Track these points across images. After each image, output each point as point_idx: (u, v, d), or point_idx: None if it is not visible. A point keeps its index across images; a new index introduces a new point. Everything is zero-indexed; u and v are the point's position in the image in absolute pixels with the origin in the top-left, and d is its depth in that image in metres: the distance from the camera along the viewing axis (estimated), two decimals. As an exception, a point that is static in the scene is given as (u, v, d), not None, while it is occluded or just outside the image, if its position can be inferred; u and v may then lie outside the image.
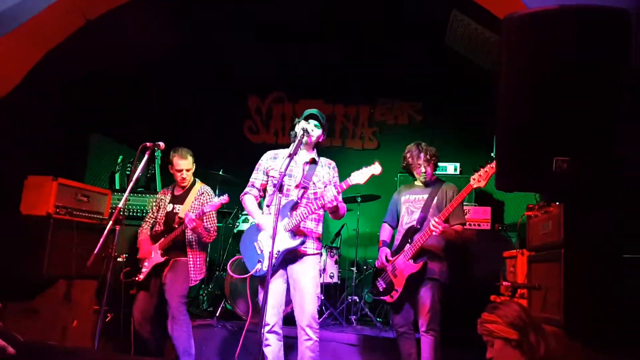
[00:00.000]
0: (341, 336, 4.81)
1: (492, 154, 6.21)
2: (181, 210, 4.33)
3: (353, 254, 6.03)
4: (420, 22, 6.03)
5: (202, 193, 4.42)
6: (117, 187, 6.05)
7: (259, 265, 3.45)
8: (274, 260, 3.36)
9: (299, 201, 3.52)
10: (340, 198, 3.46)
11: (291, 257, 3.50)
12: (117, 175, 6.07)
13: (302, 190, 3.56)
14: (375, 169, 3.44)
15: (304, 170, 3.62)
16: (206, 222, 4.34)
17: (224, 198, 4.16)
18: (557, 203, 3.04)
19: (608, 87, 2.05)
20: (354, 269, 5.90)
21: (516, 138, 2.16)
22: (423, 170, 4.05)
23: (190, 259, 4.29)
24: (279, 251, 3.39)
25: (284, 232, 3.43)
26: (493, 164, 3.63)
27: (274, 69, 7.05)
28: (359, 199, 5.89)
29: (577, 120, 2.08)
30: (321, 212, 3.57)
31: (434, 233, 3.69)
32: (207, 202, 4.30)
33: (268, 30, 6.42)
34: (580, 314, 2.73)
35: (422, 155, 4.04)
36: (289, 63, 6.98)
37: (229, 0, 5.69)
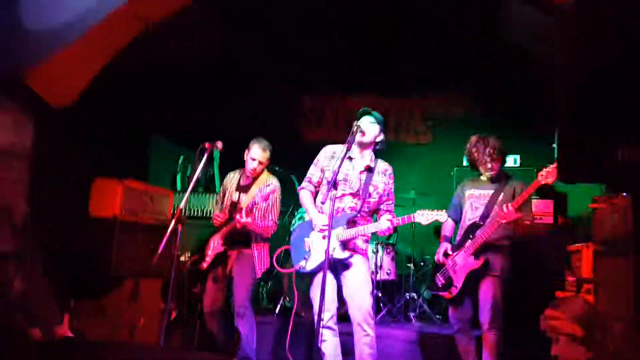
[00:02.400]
0: (400, 333, 4.78)
1: (552, 145, 6.01)
2: (244, 200, 4.24)
3: (410, 250, 5.99)
4: (471, 11, 5.87)
5: (268, 185, 4.25)
6: (179, 187, 6.24)
7: (303, 262, 3.46)
8: (318, 263, 3.40)
9: (358, 215, 3.50)
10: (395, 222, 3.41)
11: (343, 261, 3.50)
12: (178, 176, 6.26)
13: (360, 202, 3.52)
14: (442, 216, 3.36)
15: (360, 180, 3.55)
16: (260, 215, 4.25)
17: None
18: (625, 194, 2.91)
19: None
20: (411, 265, 5.86)
21: (579, 127, 2.08)
22: (489, 166, 3.91)
23: (255, 251, 4.24)
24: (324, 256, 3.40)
25: (336, 240, 3.40)
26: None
27: (325, 65, 7.04)
28: (413, 194, 5.83)
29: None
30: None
31: (503, 221, 3.60)
32: (271, 196, 4.21)
33: (316, 26, 6.41)
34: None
35: (488, 150, 3.89)
36: (339, 58, 6.95)
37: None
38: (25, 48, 3.86)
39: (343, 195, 3.52)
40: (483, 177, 4.03)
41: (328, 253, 3.10)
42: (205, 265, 4.33)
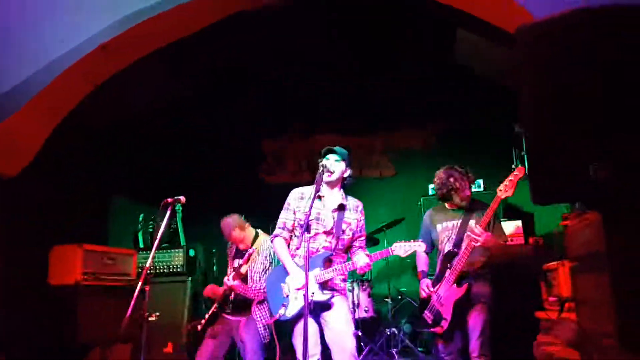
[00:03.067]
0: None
1: (512, 166, 6.12)
2: (243, 267, 4.22)
3: (385, 285, 5.91)
4: (425, 44, 6.02)
5: (267, 247, 4.37)
6: (141, 245, 6.04)
7: (282, 310, 3.34)
8: (298, 308, 3.29)
9: (333, 253, 3.43)
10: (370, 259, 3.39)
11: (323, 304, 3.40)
12: (139, 234, 6.06)
13: (335, 240, 3.46)
14: (420, 246, 3.36)
15: (333, 218, 3.50)
16: (257, 278, 4.29)
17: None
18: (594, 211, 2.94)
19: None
20: (388, 300, 5.77)
21: (547, 150, 2.07)
22: (467, 194, 3.93)
23: (256, 314, 4.22)
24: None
25: (314, 283, 3.32)
26: (516, 172, 3.56)
27: (285, 107, 7.06)
28: (384, 229, 5.79)
29: (609, 123, 1.99)
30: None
31: (476, 244, 3.56)
32: (267, 258, 4.34)
33: (273, 70, 6.44)
34: (634, 324, 2.59)
35: (466, 178, 3.94)
36: (300, 101, 6.99)
37: (230, 47, 5.72)
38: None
39: (316, 234, 3.45)
40: (448, 206, 4.03)
41: (307, 297, 2.99)
42: (199, 328, 4.35)
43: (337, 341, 3.31)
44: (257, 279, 4.27)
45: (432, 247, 4.06)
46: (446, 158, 4.28)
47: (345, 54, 6.15)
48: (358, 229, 3.56)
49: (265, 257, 4.32)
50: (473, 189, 5.61)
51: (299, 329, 3.33)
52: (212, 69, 5.86)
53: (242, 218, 4.49)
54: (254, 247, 4.31)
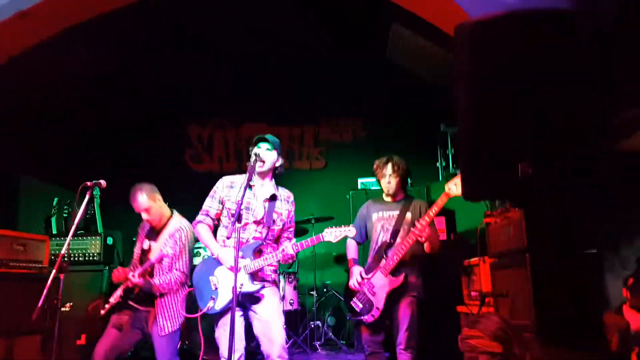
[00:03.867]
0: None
1: (437, 164, 6.31)
2: (154, 249, 3.88)
3: (311, 278, 5.91)
4: (361, 38, 6.04)
5: (179, 229, 3.90)
6: (55, 231, 5.67)
7: (211, 303, 3.24)
8: (227, 300, 3.21)
9: (263, 243, 3.37)
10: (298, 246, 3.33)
11: (249, 295, 3.32)
12: (53, 219, 5.69)
13: (265, 230, 3.40)
14: (350, 231, 3.29)
15: (264, 207, 3.44)
16: (167, 265, 3.85)
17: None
18: (518, 208, 3.06)
19: (566, 89, 2.06)
20: (314, 292, 5.78)
21: (479, 148, 2.12)
22: (387, 181, 3.96)
23: (161, 307, 3.82)
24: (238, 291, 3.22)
25: (244, 273, 3.24)
26: None
27: (213, 93, 6.88)
28: (312, 221, 5.79)
29: (539, 123, 2.07)
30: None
31: (419, 238, 3.60)
32: (178, 242, 3.86)
33: (203, 52, 6.25)
34: (551, 316, 2.72)
35: (388, 166, 3.95)
36: (228, 87, 6.83)
37: (161, 23, 5.47)
38: None
39: (246, 224, 3.36)
40: (387, 199, 4.05)
41: (236, 289, 2.91)
42: (102, 312, 3.86)
43: (267, 333, 3.26)
44: (166, 265, 3.83)
45: (365, 237, 4.07)
46: (374, 153, 4.31)
47: (281, 41, 6.07)
48: (288, 219, 3.52)
49: (177, 240, 3.85)
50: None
51: (223, 322, 3.26)
52: (140, 44, 5.57)
53: (157, 191, 4.00)
54: (176, 222, 3.94)
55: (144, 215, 3.92)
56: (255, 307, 3.32)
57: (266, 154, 3.45)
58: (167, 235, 3.88)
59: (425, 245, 3.76)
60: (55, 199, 5.79)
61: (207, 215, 3.50)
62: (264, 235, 3.38)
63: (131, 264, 4.02)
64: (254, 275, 3.30)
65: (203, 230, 3.48)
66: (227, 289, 3.23)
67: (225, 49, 6.26)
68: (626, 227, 2.54)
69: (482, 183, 2.18)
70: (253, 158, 3.35)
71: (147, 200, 3.89)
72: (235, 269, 2.91)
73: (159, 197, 4.00)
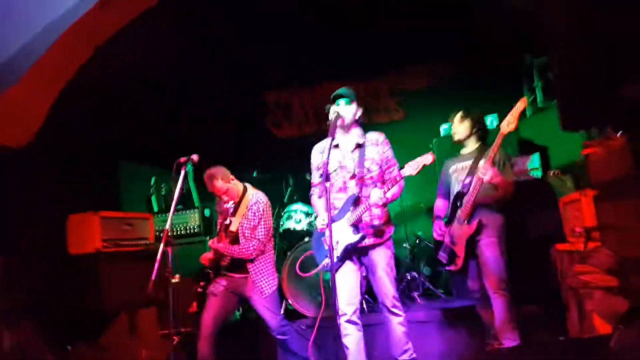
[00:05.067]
0: (409, 315, 4.69)
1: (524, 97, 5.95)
2: (234, 223, 4.11)
3: (402, 230, 5.89)
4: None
5: (256, 202, 4.11)
6: (156, 209, 6.02)
7: (327, 260, 3.38)
8: (338, 253, 3.34)
9: (360, 193, 3.40)
10: (391, 190, 3.33)
11: (361, 249, 3.43)
12: (153, 198, 6.03)
13: (359, 181, 3.43)
14: (427, 159, 3.25)
15: (353, 160, 3.48)
16: (248, 235, 4.08)
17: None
18: (619, 135, 2.86)
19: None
20: (406, 244, 5.78)
21: (577, 73, 1.99)
22: (454, 131, 4.01)
23: (253, 273, 4.07)
24: (342, 245, 3.36)
25: (347, 226, 3.36)
26: (518, 104, 3.39)
27: (285, 59, 6.85)
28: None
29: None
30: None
31: (484, 178, 3.54)
32: (257, 214, 4.06)
33: (271, 20, 6.22)
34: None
35: (465, 121, 3.93)
36: (298, 50, 6.77)
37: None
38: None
39: (345, 182, 3.47)
40: (462, 150, 4.04)
41: (332, 247, 2.98)
42: (199, 289, 4.21)
43: (380, 287, 3.42)
44: (249, 236, 4.06)
45: (449, 193, 4.03)
46: (456, 97, 4.16)
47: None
48: (384, 161, 3.52)
49: (255, 212, 4.06)
50: (488, 126, 5.56)
51: (339, 277, 3.39)
52: (209, 23, 5.64)
53: (228, 171, 4.21)
54: (252, 196, 4.14)
55: (225, 198, 4.17)
56: (367, 262, 3.46)
57: (344, 109, 3.48)
58: (244, 208, 4.10)
59: (496, 187, 3.66)
60: (153, 178, 6.13)
61: (314, 186, 3.71)
62: (360, 187, 3.42)
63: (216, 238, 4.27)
64: (356, 227, 3.37)
65: (313, 200, 3.72)
66: (338, 245, 3.37)
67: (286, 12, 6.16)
68: None
69: (581, 111, 2.05)
70: (334, 116, 3.38)
71: (223, 184, 4.13)
72: (329, 226, 2.97)
73: (232, 176, 4.21)
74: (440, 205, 4.11)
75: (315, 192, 3.71)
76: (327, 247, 3.36)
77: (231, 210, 4.22)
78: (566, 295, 3.58)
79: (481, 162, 3.67)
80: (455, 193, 3.89)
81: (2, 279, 3.87)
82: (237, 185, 4.21)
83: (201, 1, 4.75)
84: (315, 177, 3.69)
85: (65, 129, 4.45)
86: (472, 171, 3.80)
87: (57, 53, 3.77)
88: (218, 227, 4.33)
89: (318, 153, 3.65)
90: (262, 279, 4.06)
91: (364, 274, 3.78)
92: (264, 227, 4.10)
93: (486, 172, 3.53)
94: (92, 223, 4.26)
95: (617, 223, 3.00)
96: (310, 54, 6.71)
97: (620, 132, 2.73)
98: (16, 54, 3.65)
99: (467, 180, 3.80)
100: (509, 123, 3.47)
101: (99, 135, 5.15)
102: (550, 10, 1.96)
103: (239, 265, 4.09)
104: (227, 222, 4.18)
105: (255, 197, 4.15)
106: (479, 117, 3.97)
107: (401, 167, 3.31)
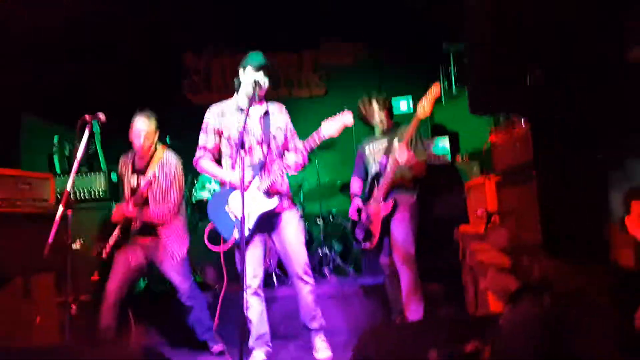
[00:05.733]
0: (319, 289, 4.75)
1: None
2: (142, 182, 3.90)
3: (316, 207, 5.95)
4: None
5: (167, 162, 3.93)
6: (58, 170, 5.66)
7: (236, 232, 3.29)
8: (252, 223, 3.29)
9: (266, 158, 3.36)
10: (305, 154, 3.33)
11: (268, 218, 3.40)
12: (55, 157, 5.66)
13: (265, 147, 3.40)
14: (347, 118, 3.27)
15: (261, 125, 3.44)
16: (160, 198, 3.91)
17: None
18: (526, 121, 3.00)
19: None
20: (319, 220, 5.83)
21: (488, 58, 2.05)
22: (378, 119, 4.07)
23: (165, 237, 3.95)
24: (257, 213, 3.31)
25: (258, 192, 3.29)
26: (432, 89, 3.61)
27: (207, 20, 6.60)
28: (315, 150, 5.74)
29: (551, 30, 1.98)
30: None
31: (400, 161, 3.67)
32: (168, 175, 3.89)
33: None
34: (557, 231, 2.72)
35: (373, 103, 4.05)
36: (223, 13, 6.55)
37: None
38: None
39: (250, 147, 3.41)
40: (377, 132, 4.16)
41: (244, 219, 2.94)
42: (104, 255, 4.01)
43: (290, 254, 3.43)
44: (160, 199, 3.90)
45: (366, 173, 4.20)
46: (375, 77, 4.29)
47: None
48: (288, 129, 3.57)
49: (167, 174, 3.89)
50: (403, 109, 5.73)
51: (248, 249, 3.34)
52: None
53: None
54: (164, 155, 3.97)
55: (142, 141, 3.90)
56: (277, 230, 3.45)
57: (265, 80, 3.42)
58: (155, 168, 3.89)
59: (411, 168, 3.85)
60: (56, 137, 5.73)
61: (205, 149, 3.51)
62: (266, 152, 3.39)
63: (123, 201, 4.05)
64: (269, 193, 3.34)
65: (205, 163, 3.50)
66: (247, 214, 3.23)
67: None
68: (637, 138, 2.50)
69: (489, 94, 2.12)
70: (253, 85, 3.34)
71: (153, 124, 3.93)
72: (242, 194, 2.92)
73: (157, 129, 4.00)
74: (356, 184, 4.24)
75: (202, 154, 3.52)
76: (233, 217, 3.31)
77: (135, 168, 4.03)
78: (465, 274, 3.80)
79: (395, 144, 3.79)
80: (372, 173, 4.03)
81: None
82: (155, 139, 4.01)
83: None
84: (209, 140, 3.52)
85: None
86: (387, 151, 3.96)
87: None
88: (125, 190, 4.10)
89: (215, 115, 3.53)
90: (173, 243, 3.94)
91: (270, 247, 3.78)
92: (178, 189, 3.94)
93: (402, 154, 3.65)
94: (-16, 180, 3.94)
95: (516, 207, 3.17)
96: (235, 19, 6.52)
97: (524, 119, 2.88)
98: None
99: (384, 161, 3.94)
100: (424, 108, 3.62)
101: (3, 83, 4.74)
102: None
103: (150, 229, 3.93)
104: (134, 183, 3.98)
105: (167, 156, 3.97)
106: (386, 100, 4.11)
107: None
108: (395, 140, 3.89)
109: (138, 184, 3.94)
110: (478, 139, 5.12)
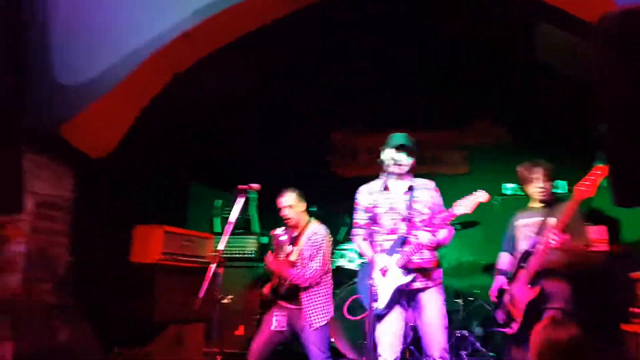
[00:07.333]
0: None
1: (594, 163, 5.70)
2: (293, 253, 4.15)
3: (455, 284, 5.75)
4: (502, 38, 5.73)
5: (315, 232, 4.14)
6: (218, 230, 6.22)
7: (375, 304, 3.33)
8: (388, 297, 3.31)
9: (408, 234, 3.41)
10: (441, 232, 3.35)
11: (411, 292, 3.42)
12: (217, 220, 6.25)
13: (409, 224, 3.45)
14: (482, 196, 3.23)
15: (405, 202, 3.51)
16: (302, 264, 4.09)
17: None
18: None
19: None
20: (459, 300, 5.61)
21: (630, 147, 1.94)
22: (538, 185, 3.71)
23: (305, 303, 4.05)
24: (392, 287, 3.34)
25: (397, 268, 3.34)
26: (597, 170, 3.23)
27: (356, 101, 6.98)
28: (458, 227, 5.64)
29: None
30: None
31: (551, 243, 3.32)
32: (315, 244, 4.09)
33: (342, 64, 6.38)
34: None
35: (536, 168, 3.73)
36: (370, 94, 6.89)
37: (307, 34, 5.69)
38: (61, 103, 3.98)
39: (395, 224, 3.48)
40: (532, 204, 3.84)
41: (372, 292, 3.00)
42: (265, 292, 4.27)
43: (428, 333, 3.37)
44: (305, 265, 4.05)
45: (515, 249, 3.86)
46: (523, 157, 4.07)
47: (413, 49, 5.99)
48: (436, 205, 3.54)
49: (314, 243, 4.06)
50: (558, 191, 5.34)
51: (385, 321, 3.38)
52: (282, 59, 5.85)
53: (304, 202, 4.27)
54: (313, 227, 4.18)
55: (287, 212, 4.20)
56: (418, 306, 3.43)
57: (405, 161, 3.54)
58: (305, 238, 4.13)
59: (566, 253, 3.50)
60: (220, 202, 6.36)
61: (359, 226, 3.69)
62: (407, 229, 3.42)
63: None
64: (407, 269, 3.34)
65: (358, 241, 3.69)
66: (386, 288, 3.34)
67: (366, 51, 6.29)
68: None
69: (634, 187, 1.99)
70: (391, 162, 3.47)
71: (294, 198, 4.20)
72: (371, 271, 2.99)
73: (304, 202, 4.28)
74: (504, 260, 3.93)
75: (359, 232, 3.69)
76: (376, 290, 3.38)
77: (289, 241, 4.26)
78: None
79: (551, 222, 3.50)
80: (521, 250, 3.70)
81: (68, 277, 4.12)
82: (304, 213, 4.27)
83: (282, 39, 4.97)
84: (361, 218, 3.68)
85: (144, 146, 4.73)
86: (541, 229, 3.60)
87: (141, 75, 4.05)
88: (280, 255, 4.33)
89: (366, 194, 3.66)
90: (312, 310, 4.00)
91: (410, 324, 3.73)
92: (322, 257, 4.08)
93: (555, 238, 3.33)
94: (156, 235, 4.48)
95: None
96: (377, 98, 6.79)
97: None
98: (103, 72, 3.97)
99: (535, 239, 3.61)
100: (586, 188, 3.24)
101: (174, 155, 5.42)
102: (600, 80, 1.95)
103: (294, 295, 4.07)
104: (288, 251, 4.20)
105: (317, 228, 4.19)
106: (552, 169, 3.77)
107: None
108: (553, 219, 3.52)
109: (290, 251, 4.18)
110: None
